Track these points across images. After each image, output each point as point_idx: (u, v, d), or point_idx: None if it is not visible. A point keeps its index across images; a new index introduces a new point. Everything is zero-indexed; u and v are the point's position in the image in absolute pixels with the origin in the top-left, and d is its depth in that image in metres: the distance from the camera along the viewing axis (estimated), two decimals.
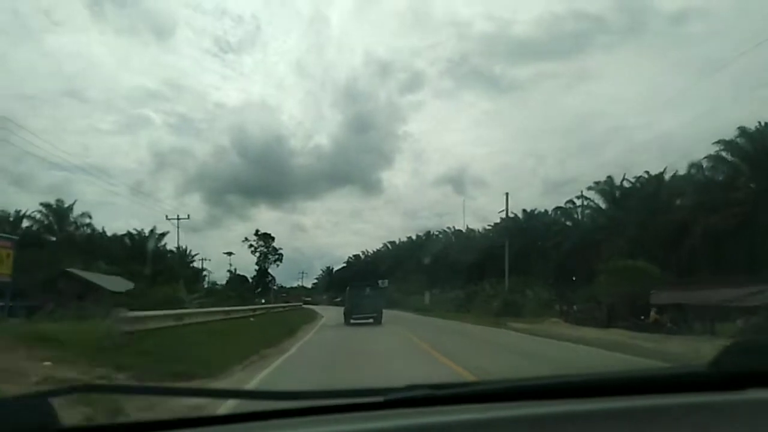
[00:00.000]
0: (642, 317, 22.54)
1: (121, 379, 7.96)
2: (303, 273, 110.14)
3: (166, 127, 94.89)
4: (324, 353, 14.08)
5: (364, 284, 29.20)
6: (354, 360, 12.26)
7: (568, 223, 47.90)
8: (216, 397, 3.39)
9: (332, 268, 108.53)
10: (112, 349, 9.55)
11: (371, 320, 26.04)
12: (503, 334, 20.45)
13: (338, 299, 75.89)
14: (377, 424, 1.14)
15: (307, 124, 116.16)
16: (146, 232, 56.67)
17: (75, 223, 47.64)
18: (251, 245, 68.98)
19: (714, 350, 1.36)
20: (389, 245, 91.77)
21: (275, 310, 34.09)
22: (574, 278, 37.29)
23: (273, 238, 70.00)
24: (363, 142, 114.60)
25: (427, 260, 67.47)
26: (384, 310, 27.38)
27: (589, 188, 42.91)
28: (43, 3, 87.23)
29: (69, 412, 1.25)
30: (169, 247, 58.71)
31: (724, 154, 31.92)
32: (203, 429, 1.20)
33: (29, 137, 59.00)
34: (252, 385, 8.35)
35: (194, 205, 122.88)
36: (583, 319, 25.52)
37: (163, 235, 58.20)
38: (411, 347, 14.78)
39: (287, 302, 55.63)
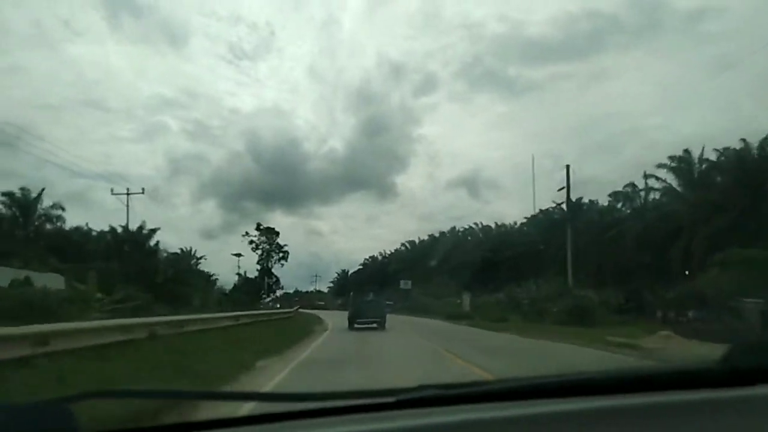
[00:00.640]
0: None
1: None
2: (317, 276, 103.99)
3: (182, 134, 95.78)
4: None
5: (367, 289, 29.33)
6: None
7: (626, 209, 39.82)
8: (230, 399, 2.85)
9: (348, 271, 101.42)
10: None
11: (375, 325, 25.19)
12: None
13: (340, 302, 68.23)
14: (388, 424, 1.14)
15: (322, 129, 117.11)
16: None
17: (44, 216, 40.75)
18: (251, 241, 60.86)
19: None
20: (407, 245, 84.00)
21: (260, 318, 25.78)
22: (664, 275, 28.99)
23: (277, 233, 61.79)
24: (377, 146, 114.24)
25: (453, 260, 59.85)
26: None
27: (659, 166, 34.86)
28: (63, 13, 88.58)
29: (87, 418, 1.12)
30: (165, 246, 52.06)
31: None
32: (219, 431, 1.21)
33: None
34: None
35: (209, 211, 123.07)
36: (707, 331, 17.44)
37: (153, 231, 51.32)
38: None
39: (291, 307, 47.32)
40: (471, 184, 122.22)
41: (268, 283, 59.22)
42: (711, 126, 61.06)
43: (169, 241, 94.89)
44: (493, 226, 66.07)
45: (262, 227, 59.28)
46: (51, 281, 24.23)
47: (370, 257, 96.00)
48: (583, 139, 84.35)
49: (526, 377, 1.34)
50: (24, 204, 39.73)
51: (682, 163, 33.80)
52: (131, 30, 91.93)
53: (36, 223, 40.56)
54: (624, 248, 35.22)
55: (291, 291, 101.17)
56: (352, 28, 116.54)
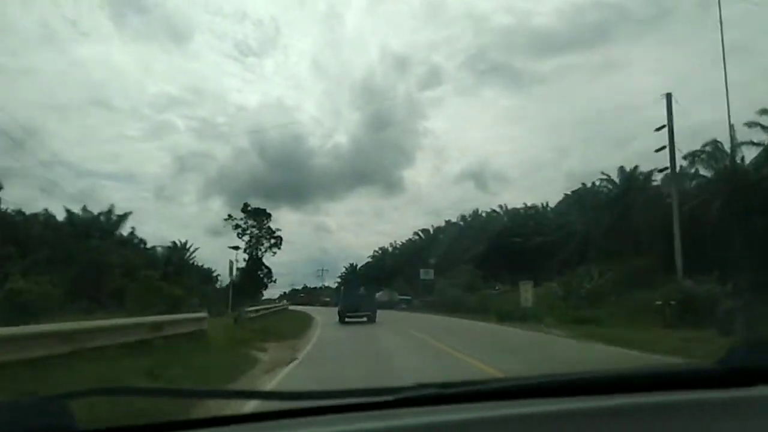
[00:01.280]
0: None
1: None
2: (323, 270, 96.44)
3: (188, 132, 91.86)
4: None
5: (357, 284, 29.99)
6: None
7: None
8: (231, 398, 3.03)
9: (356, 266, 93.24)
10: None
11: (365, 319, 25.15)
12: None
13: (327, 299, 62.82)
14: (387, 422, 1.13)
15: (328, 124, 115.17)
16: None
17: None
18: (237, 225, 49.20)
19: None
20: (421, 234, 75.43)
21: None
22: None
23: (269, 215, 50.52)
24: (383, 140, 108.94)
25: (473, 248, 51.41)
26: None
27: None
28: (70, 14, 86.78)
29: (87, 414, 1.09)
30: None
31: None
32: (218, 429, 1.19)
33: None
34: None
35: (216, 208, 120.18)
36: None
37: (122, 217, 43.45)
38: None
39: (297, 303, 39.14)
40: (478, 177, 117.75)
41: (259, 276, 49.03)
42: None
43: (172, 237, 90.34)
44: (521, 207, 57.59)
45: (249, 208, 48.26)
46: None
47: (380, 249, 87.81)
48: (591, 129, 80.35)
49: (525, 377, 1.34)
50: None
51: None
52: (137, 29, 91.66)
53: None
54: (714, 222, 26.61)
55: (299, 287, 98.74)
56: (357, 21, 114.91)
